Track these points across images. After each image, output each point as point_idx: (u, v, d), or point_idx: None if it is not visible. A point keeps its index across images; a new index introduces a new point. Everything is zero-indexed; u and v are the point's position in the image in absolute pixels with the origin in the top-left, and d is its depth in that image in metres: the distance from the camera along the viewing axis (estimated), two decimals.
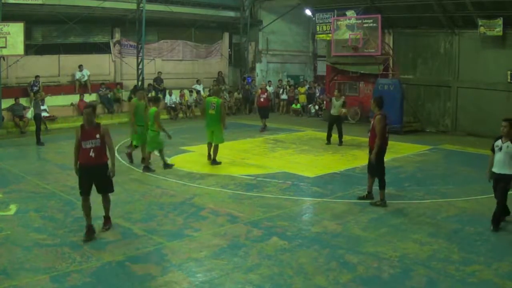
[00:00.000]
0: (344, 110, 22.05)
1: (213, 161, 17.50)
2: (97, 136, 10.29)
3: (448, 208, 12.69)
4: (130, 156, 17.45)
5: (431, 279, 8.52)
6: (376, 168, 12.73)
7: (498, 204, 10.96)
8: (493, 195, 11.24)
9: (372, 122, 12.95)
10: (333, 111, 21.91)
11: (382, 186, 12.73)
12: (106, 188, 10.74)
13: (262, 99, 26.36)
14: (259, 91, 27.55)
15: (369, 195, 13.17)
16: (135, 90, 28.54)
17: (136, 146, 17.29)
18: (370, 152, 12.82)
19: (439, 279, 8.52)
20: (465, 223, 11.07)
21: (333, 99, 22.27)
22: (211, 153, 17.59)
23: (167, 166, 16.88)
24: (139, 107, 17.16)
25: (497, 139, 11.09)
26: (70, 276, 8.46)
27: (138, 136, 17.07)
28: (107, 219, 11.00)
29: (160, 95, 29.13)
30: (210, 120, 17.45)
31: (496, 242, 10.33)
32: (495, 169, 11.02)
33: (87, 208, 10.42)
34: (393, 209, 12.51)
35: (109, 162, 10.58)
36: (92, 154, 10.26)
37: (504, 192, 10.88)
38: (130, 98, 23.02)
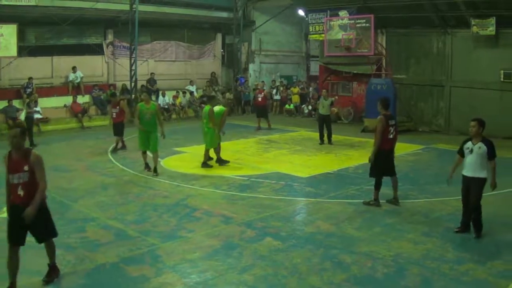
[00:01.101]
0: (336, 110, 22.13)
1: (217, 161, 17.60)
2: (25, 168, 7.92)
3: (441, 207, 12.72)
4: (147, 166, 16.64)
5: (425, 278, 8.53)
6: (372, 168, 12.71)
7: (475, 209, 10.52)
8: (461, 197, 10.85)
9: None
10: (322, 111, 22.08)
11: (376, 186, 12.69)
12: (44, 234, 8.36)
13: (259, 99, 26.84)
14: (256, 90, 28.20)
15: (394, 200, 12.99)
16: (122, 91, 28.69)
17: (144, 152, 16.64)
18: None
19: (433, 278, 8.53)
20: (458, 222, 10.99)
21: (322, 98, 22.38)
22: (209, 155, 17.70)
23: (206, 165, 17.27)
24: (144, 111, 16.20)
25: (466, 140, 10.68)
26: (64, 278, 8.45)
27: (142, 141, 16.38)
28: (52, 267, 8.46)
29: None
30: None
31: (489, 241, 10.33)
32: (467, 173, 10.57)
33: (13, 263, 7.93)
34: (387, 209, 12.53)
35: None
36: (20, 192, 7.94)
37: (479, 197, 10.48)
38: (114, 95, 22.27)
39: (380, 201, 12.74)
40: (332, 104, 22.46)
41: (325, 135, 21.96)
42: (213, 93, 32.73)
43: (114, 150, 19.94)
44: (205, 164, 17.20)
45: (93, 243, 10.16)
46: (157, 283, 8.34)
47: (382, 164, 12.57)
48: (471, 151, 10.46)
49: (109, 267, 8.97)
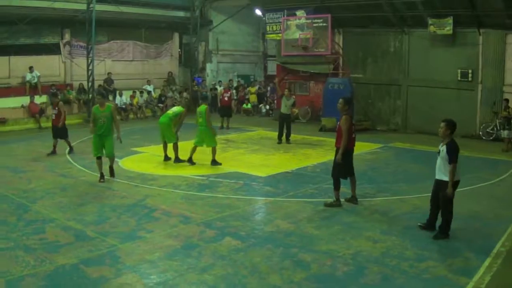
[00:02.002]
0: (296, 110, 22.19)
1: (213, 162, 17.63)
2: None
3: (400, 205, 12.81)
4: (102, 176, 15.35)
5: (385, 276, 8.55)
6: (339, 168, 12.55)
7: (443, 211, 10.49)
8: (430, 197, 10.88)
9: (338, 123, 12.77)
10: (284, 110, 22.04)
11: (336, 186, 12.61)
12: None
13: (226, 98, 27.13)
14: (222, 90, 28.76)
15: (352, 199, 12.98)
16: (79, 90, 28.49)
17: (99, 158, 15.29)
18: (337, 153, 12.50)
19: (393, 276, 8.55)
20: (417, 220, 11.11)
21: (284, 97, 22.35)
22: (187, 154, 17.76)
23: (191, 162, 17.58)
24: (98, 114, 15.05)
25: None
26: (24, 280, 8.26)
27: (96, 146, 15.18)
28: None
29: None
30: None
31: (449, 239, 10.38)
32: (436, 175, 10.53)
33: None
34: (346, 207, 12.55)
35: None
36: None
37: (446, 201, 10.32)
38: (55, 95, 21.15)
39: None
40: (294, 104, 22.51)
41: (284, 134, 21.98)
42: (170, 93, 32.68)
43: (71, 151, 19.54)
44: (214, 162, 17.54)
45: (52, 244, 9.95)
46: (117, 284, 8.20)
47: (346, 164, 12.54)
48: (439, 153, 10.42)
49: (69, 269, 8.77)
